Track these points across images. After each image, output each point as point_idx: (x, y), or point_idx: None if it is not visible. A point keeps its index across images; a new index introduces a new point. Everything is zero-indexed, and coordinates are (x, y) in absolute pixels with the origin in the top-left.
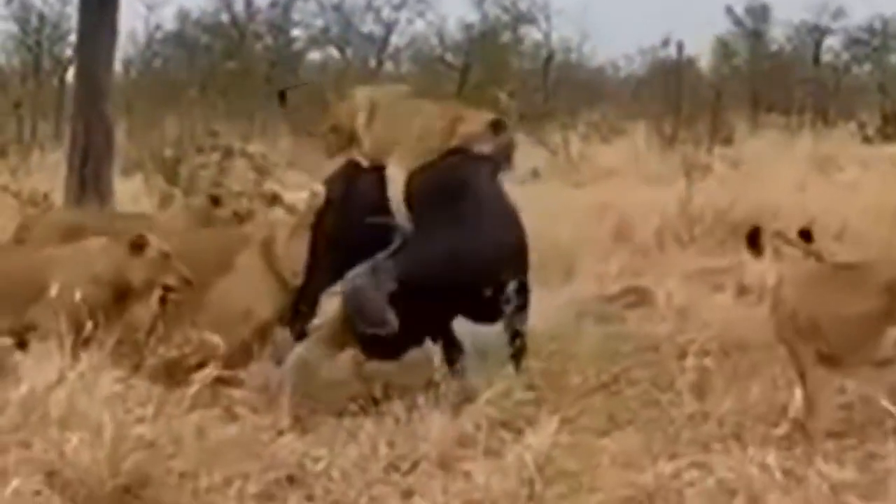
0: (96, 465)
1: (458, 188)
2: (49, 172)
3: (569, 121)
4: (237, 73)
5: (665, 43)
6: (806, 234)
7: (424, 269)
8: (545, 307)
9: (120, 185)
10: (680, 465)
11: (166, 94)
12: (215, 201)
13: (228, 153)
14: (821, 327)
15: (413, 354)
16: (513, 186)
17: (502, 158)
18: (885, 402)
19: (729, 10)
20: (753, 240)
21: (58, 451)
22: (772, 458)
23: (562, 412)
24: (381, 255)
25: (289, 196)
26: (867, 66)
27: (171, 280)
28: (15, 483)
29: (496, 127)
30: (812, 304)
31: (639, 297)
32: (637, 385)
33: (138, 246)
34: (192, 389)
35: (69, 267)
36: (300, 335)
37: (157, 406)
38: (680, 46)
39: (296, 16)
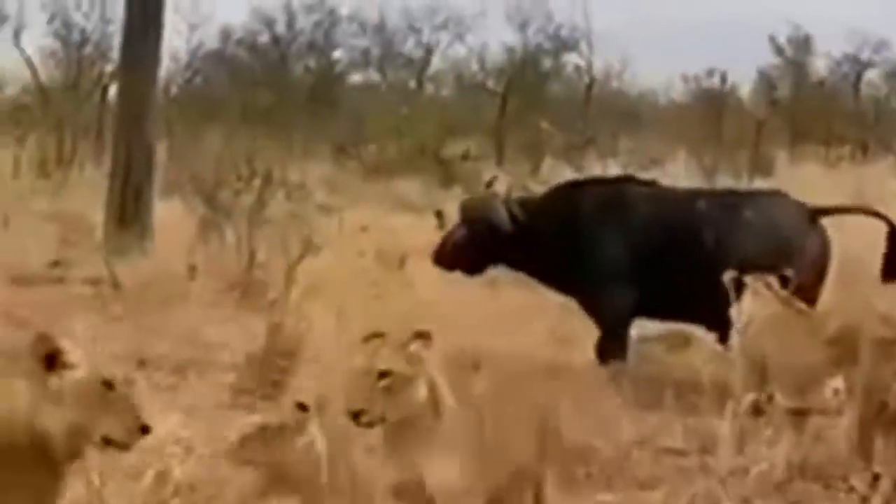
0: None
1: None
2: (89, 191)
3: (608, 149)
4: (278, 95)
5: (710, 73)
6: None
7: None
8: None
9: (158, 205)
10: None
11: (207, 113)
12: None
13: (268, 180)
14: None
15: None
16: None
17: None
18: None
19: (771, 39)
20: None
21: None
22: None
23: None
24: None
25: None
26: None
27: None
28: None
29: None
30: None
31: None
32: None
33: None
34: None
35: None
36: None
37: None
38: (723, 77)
39: (337, 37)
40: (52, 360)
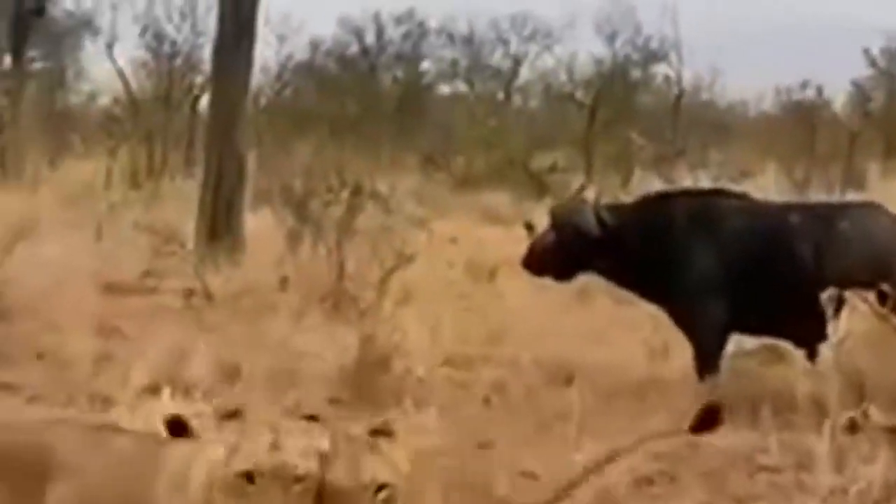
0: None
1: None
2: (180, 203)
3: (698, 161)
4: (366, 106)
5: (804, 85)
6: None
7: None
8: None
9: (249, 216)
10: None
11: (296, 124)
12: None
13: (357, 191)
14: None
15: None
16: None
17: None
18: None
19: (865, 51)
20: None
21: None
22: None
23: None
24: None
25: None
26: None
27: None
28: None
29: None
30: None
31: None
32: None
33: None
34: None
35: None
36: None
37: None
38: (819, 90)
39: (425, 48)
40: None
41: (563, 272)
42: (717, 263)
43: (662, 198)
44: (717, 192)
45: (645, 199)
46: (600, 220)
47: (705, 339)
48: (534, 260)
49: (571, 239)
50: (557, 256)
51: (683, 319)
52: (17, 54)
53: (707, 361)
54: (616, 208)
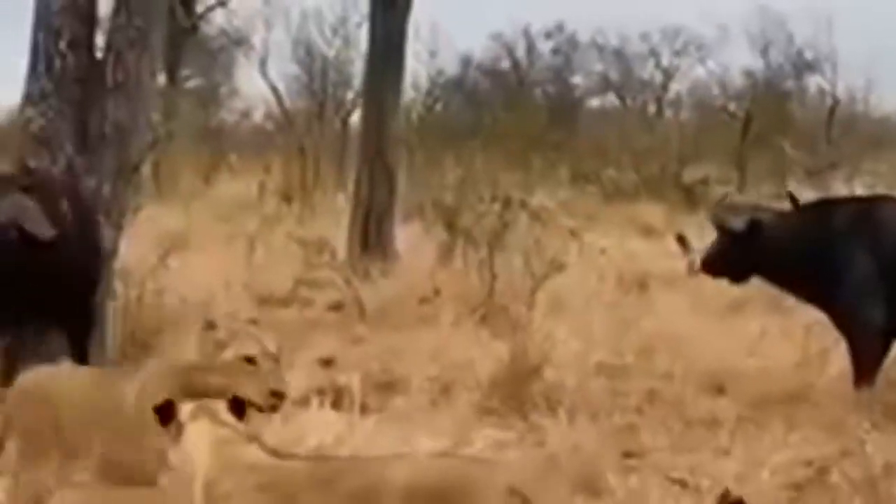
0: None
1: None
2: (332, 217)
3: (853, 172)
4: (517, 120)
5: None
6: None
7: None
8: None
9: (400, 230)
10: None
11: (447, 138)
12: None
13: (508, 203)
14: None
15: None
16: None
17: None
18: None
19: None
20: None
21: None
22: None
23: None
24: None
25: None
26: None
27: None
28: None
29: None
30: None
31: None
32: None
33: None
34: None
35: None
36: None
37: None
38: None
39: (576, 62)
40: None
41: (733, 274)
42: (879, 268)
43: (827, 203)
44: (883, 198)
45: (809, 204)
46: (752, 225)
47: (865, 345)
48: (707, 262)
49: (730, 242)
50: (722, 259)
51: (844, 324)
52: (172, 72)
53: (865, 368)
54: (780, 213)
